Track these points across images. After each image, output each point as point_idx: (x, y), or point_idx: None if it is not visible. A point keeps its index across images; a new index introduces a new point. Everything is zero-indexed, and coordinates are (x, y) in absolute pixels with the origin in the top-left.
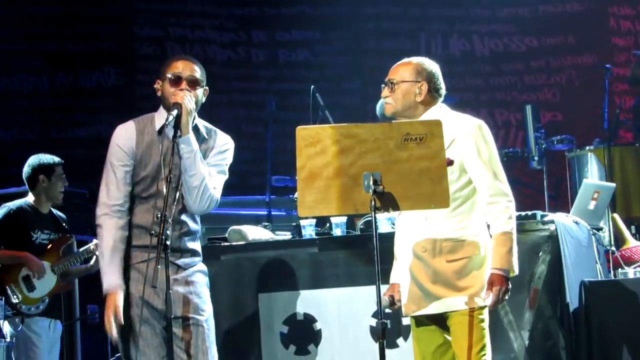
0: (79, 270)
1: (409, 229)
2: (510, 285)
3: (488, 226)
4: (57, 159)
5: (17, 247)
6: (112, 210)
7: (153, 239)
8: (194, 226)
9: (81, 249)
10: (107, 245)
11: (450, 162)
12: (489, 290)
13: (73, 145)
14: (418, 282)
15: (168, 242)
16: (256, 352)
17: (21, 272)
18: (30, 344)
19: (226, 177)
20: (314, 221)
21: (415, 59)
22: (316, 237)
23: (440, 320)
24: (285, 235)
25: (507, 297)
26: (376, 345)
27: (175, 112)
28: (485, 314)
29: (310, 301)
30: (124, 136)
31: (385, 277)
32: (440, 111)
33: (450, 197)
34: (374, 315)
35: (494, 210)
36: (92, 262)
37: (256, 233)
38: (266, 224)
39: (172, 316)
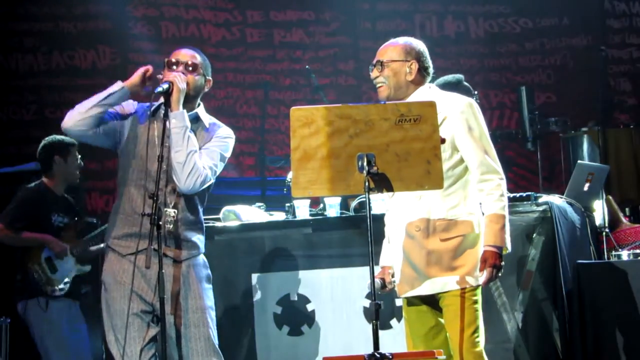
0: (95, 252)
1: (402, 208)
2: (503, 262)
3: (480, 204)
4: (71, 140)
5: (38, 230)
6: None
7: (144, 223)
8: (192, 215)
9: (96, 232)
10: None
11: (442, 141)
12: (482, 267)
13: None
14: (411, 262)
15: (161, 223)
16: (250, 332)
17: (42, 253)
18: (56, 324)
19: (223, 163)
20: (308, 202)
21: (402, 39)
22: (310, 217)
23: (433, 302)
24: (279, 216)
25: (500, 274)
26: (369, 326)
27: (165, 86)
28: (478, 295)
29: (304, 282)
30: (130, 102)
31: (378, 258)
32: (430, 91)
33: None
34: (368, 296)
35: (485, 187)
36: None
37: (250, 213)
38: (260, 204)
39: (167, 312)
